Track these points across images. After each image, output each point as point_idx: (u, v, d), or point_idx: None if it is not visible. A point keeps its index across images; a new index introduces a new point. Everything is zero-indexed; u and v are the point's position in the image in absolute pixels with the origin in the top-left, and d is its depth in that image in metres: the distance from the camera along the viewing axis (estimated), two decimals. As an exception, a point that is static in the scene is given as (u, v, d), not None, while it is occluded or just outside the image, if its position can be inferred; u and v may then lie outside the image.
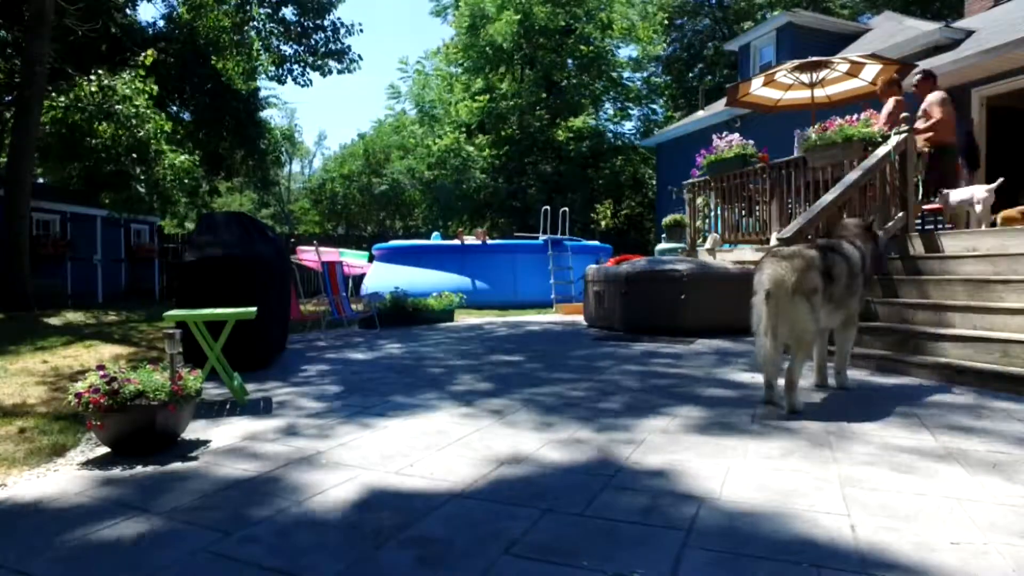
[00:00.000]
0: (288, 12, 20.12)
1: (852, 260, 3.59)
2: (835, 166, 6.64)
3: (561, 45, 24.62)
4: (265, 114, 23.88)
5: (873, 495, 2.18)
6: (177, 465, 2.64)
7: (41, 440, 3.09)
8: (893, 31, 13.42)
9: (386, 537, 1.91)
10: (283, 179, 39.12)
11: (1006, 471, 2.40)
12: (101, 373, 2.81)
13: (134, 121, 12.56)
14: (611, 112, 27.79)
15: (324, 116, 78.10)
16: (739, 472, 2.44)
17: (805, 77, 7.87)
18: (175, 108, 19.31)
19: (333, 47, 20.43)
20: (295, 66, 20.64)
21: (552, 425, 3.20)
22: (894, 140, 6.15)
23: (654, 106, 28.18)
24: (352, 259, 11.64)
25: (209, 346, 3.76)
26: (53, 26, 11.80)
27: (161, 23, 19.47)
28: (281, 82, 20.96)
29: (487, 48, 24.47)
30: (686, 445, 2.81)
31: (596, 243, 15.65)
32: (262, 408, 3.70)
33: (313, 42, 20.36)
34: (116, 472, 2.56)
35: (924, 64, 9.90)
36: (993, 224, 6.11)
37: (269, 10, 19.85)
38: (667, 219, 9.75)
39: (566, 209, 14.80)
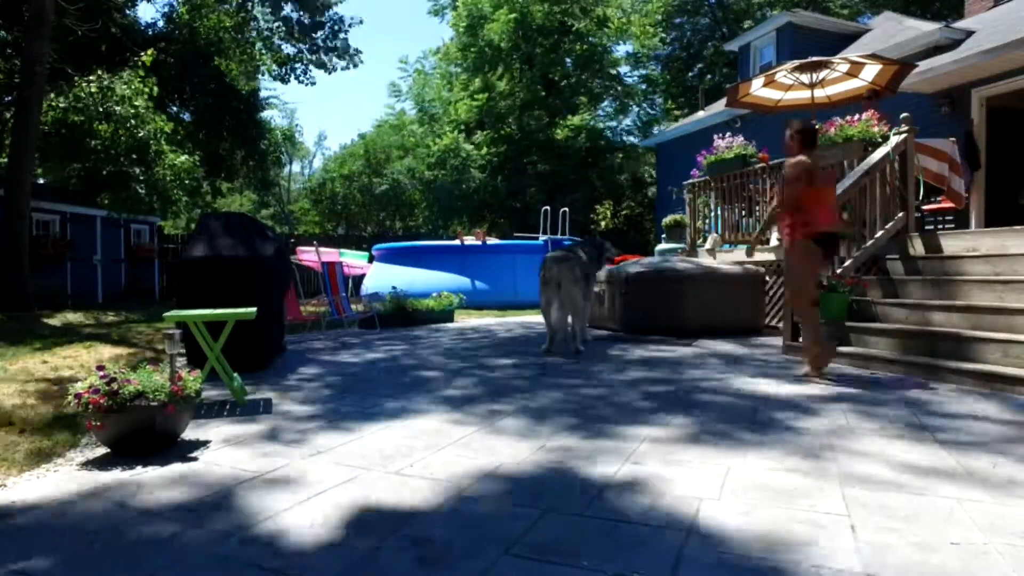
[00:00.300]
0: (288, 10, 20.13)
1: (583, 263, 5.85)
2: (835, 166, 6.64)
3: (558, 44, 24.61)
4: (265, 114, 23.89)
5: (873, 495, 2.18)
6: (177, 465, 2.64)
7: (41, 441, 3.08)
8: (893, 31, 13.42)
9: (386, 536, 1.91)
10: (283, 179, 39.12)
11: (1006, 470, 2.40)
12: (101, 374, 2.81)
13: (133, 121, 12.56)
14: (610, 111, 27.80)
15: (324, 116, 78.05)
16: (739, 473, 2.43)
17: (805, 77, 7.86)
18: (175, 108, 19.30)
19: (334, 43, 20.46)
20: (298, 64, 20.66)
21: (548, 430, 3.20)
22: (894, 140, 6.15)
23: (653, 105, 28.17)
24: (352, 259, 11.64)
25: (209, 346, 3.76)
26: (53, 26, 11.80)
27: (161, 23, 19.47)
28: (284, 81, 20.99)
29: (485, 47, 24.48)
30: (684, 449, 2.81)
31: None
32: (262, 408, 3.70)
33: (315, 39, 20.37)
34: (116, 472, 2.56)
35: (924, 64, 9.91)
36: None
37: (270, 9, 19.86)
38: (667, 219, 9.75)
39: (566, 209, 14.80)
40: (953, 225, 8.54)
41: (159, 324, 8.02)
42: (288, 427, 3.26)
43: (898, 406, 3.49)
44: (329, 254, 9.85)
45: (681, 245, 9.16)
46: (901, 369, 4.42)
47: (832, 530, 1.90)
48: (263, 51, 19.91)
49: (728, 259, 7.87)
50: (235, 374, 4.00)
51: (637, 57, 27.38)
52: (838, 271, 5.67)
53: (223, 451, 2.85)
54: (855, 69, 7.82)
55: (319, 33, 20.19)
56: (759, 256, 7.51)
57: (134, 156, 12.84)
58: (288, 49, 20.51)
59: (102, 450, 2.88)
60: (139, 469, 2.59)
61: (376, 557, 1.80)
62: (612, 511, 2.09)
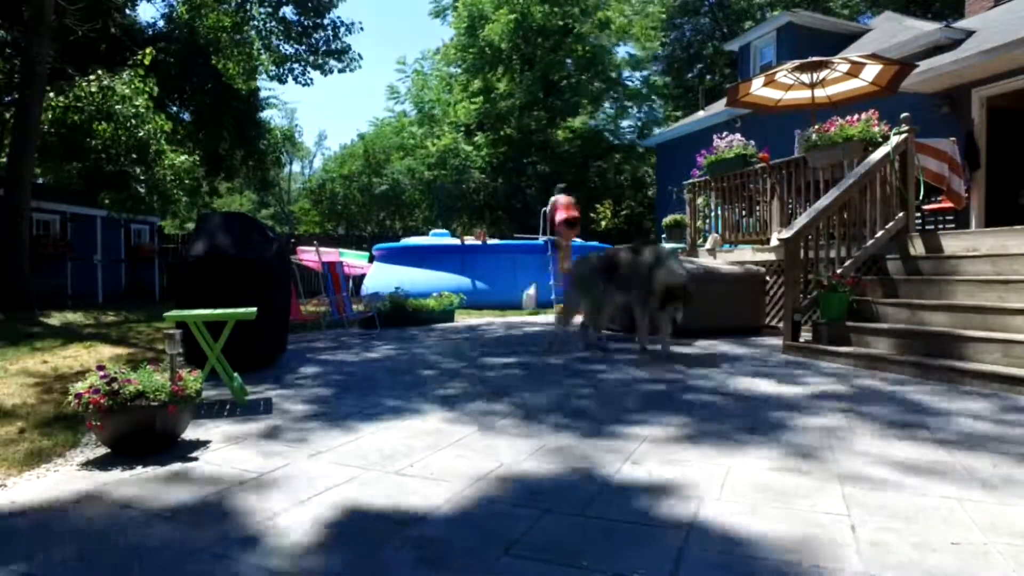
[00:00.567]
0: (288, 11, 20.12)
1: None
2: (835, 166, 6.65)
3: (559, 45, 24.63)
4: (265, 114, 23.90)
5: (873, 495, 2.18)
6: (177, 465, 2.64)
7: (41, 440, 3.09)
8: (893, 31, 13.42)
9: (386, 536, 1.91)
10: (283, 179, 39.12)
11: (1005, 469, 2.40)
12: (101, 373, 2.81)
13: (133, 121, 12.55)
14: (610, 112, 27.81)
15: (324, 116, 78.09)
16: (739, 473, 2.43)
17: (805, 77, 7.87)
18: (175, 108, 19.30)
19: (333, 46, 20.44)
20: (295, 65, 20.64)
21: (548, 430, 3.20)
22: (894, 140, 6.15)
23: (653, 106, 28.18)
24: (352, 259, 11.64)
25: (209, 346, 3.75)
26: (53, 26, 11.79)
27: (161, 23, 19.47)
28: (282, 82, 20.96)
29: (485, 48, 24.49)
30: (685, 448, 2.81)
31: (596, 243, 15.65)
32: (262, 408, 3.70)
33: (313, 41, 20.36)
34: (116, 472, 2.56)
35: (924, 64, 9.91)
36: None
37: (269, 9, 19.85)
38: (667, 219, 9.75)
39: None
40: (953, 225, 8.54)
41: (159, 324, 8.02)
42: (288, 427, 3.26)
43: (898, 406, 3.49)
44: (329, 254, 9.85)
45: (681, 245, 9.16)
46: (901, 369, 4.42)
47: (832, 530, 1.90)
48: (261, 51, 19.89)
49: (728, 259, 7.87)
50: (235, 374, 4.00)
51: (638, 60, 27.39)
52: (838, 271, 5.67)
53: (223, 451, 2.85)
54: (855, 69, 7.83)
55: (319, 35, 20.19)
56: (759, 256, 7.51)
57: (134, 156, 12.83)
58: (287, 49, 20.50)
59: (102, 450, 2.88)
60: (139, 469, 2.59)
61: (376, 557, 1.80)
62: (612, 511, 2.09)
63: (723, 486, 2.29)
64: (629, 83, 27.41)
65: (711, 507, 2.10)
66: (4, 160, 12.89)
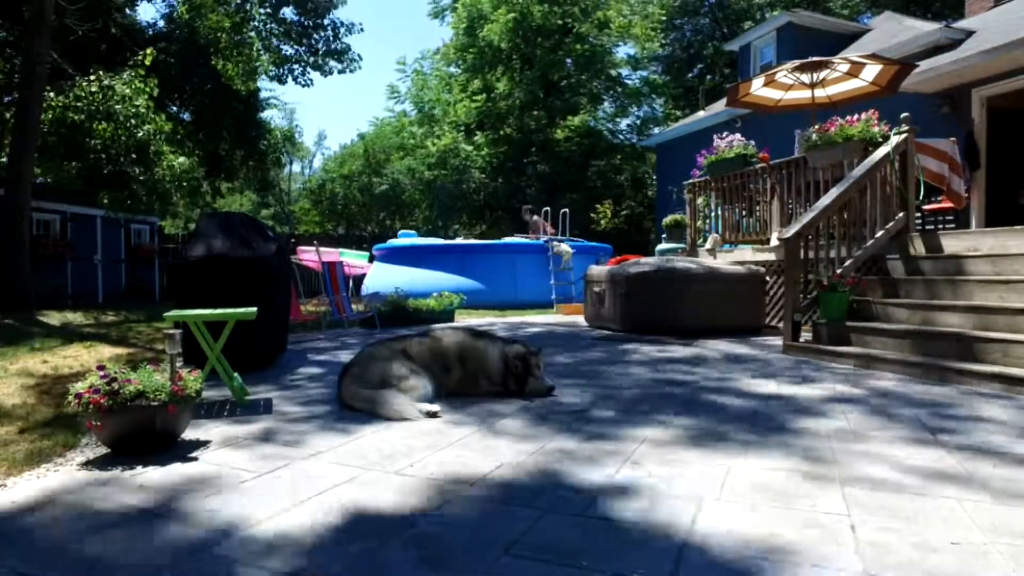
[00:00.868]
0: (288, 12, 20.13)
1: None
2: (835, 166, 6.65)
3: (559, 44, 24.63)
4: (265, 115, 23.90)
5: (873, 495, 2.18)
6: (177, 465, 2.64)
7: (41, 440, 3.09)
8: (894, 31, 13.42)
9: (386, 536, 1.91)
10: (283, 180, 39.12)
11: (1005, 468, 2.40)
12: (101, 373, 2.81)
13: (133, 121, 12.56)
14: (610, 111, 27.81)
15: (324, 116, 78.14)
16: (739, 473, 2.43)
17: (806, 77, 7.87)
18: (175, 108, 19.31)
19: (333, 47, 20.44)
20: (295, 66, 20.65)
21: (548, 431, 3.20)
22: (894, 140, 6.15)
23: (653, 105, 28.19)
24: (351, 259, 11.65)
25: (209, 346, 3.75)
26: (53, 26, 11.79)
27: (161, 23, 19.48)
28: (282, 82, 20.98)
29: (485, 48, 24.49)
30: (685, 448, 2.81)
31: (596, 243, 15.66)
32: (262, 409, 3.70)
33: (313, 42, 20.37)
34: (116, 472, 2.56)
35: (925, 64, 9.92)
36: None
37: (269, 10, 19.86)
38: (667, 219, 9.76)
39: (566, 210, 14.80)
40: (953, 225, 8.55)
41: (159, 324, 8.02)
42: (288, 427, 3.26)
43: (898, 406, 3.49)
44: (329, 254, 9.86)
45: (681, 245, 9.16)
46: (901, 369, 4.42)
47: (832, 530, 1.90)
48: (261, 52, 19.90)
49: (729, 259, 7.87)
50: (235, 374, 4.00)
51: (638, 59, 27.39)
52: (838, 271, 5.67)
53: (223, 451, 2.85)
54: (855, 69, 7.84)
55: (319, 36, 20.19)
56: (759, 256, 7.51)
57: (134, 156, 12.84)
58: (287, 50, 20.51)
59: (102, 450, 2.88)
60: (139, 469, 2.59)
61: (376, 557, 1.80)
62: (613, 511, 2.09)
63: (723, 486, 2.29)
64: (629, 82, 27.41)
65: (711, 507, 2.10)
66: (4, 160, 12.89)
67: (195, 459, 2.72)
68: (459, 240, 15.90)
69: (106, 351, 6.22)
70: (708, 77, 28.22)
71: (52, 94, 12.12)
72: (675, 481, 2.35)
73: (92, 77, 12.44)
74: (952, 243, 5.86)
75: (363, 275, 13.12)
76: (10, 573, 1.74)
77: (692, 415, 3.38)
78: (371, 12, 64.41)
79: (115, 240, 17.14)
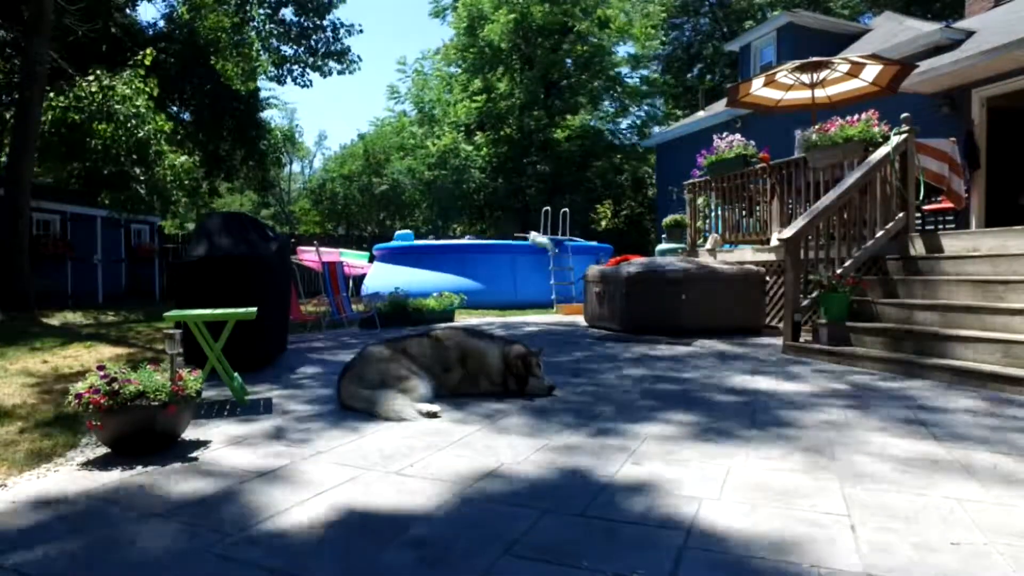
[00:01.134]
0: (288, 12, 20.13)
1: None
2: (835, 166, 6.65)
3: (559, 44, 24.62)
4: (265, 115, 23.90)
5: (873, 495, 2.18)
6: (177, 465, 2.64)
7: (41, 440, 3.09)
8: (894, 31, 13.42)
9: (387, 536, 1.91)
10: (283, 179, 39.13)
11: (1006, 469, 2.40)
12: (101, 373, 2.81)
13: (134, 121, 12.56)
14: (610, 111, 27.81)
15: (324, 116, 78.14)
16: (739, 473, 2.43)
17: (806, 77, 7.87)
18: (175, 108, 19.31)
19: (333, 48, 20.44)
20: (295, 67, 20.64)
21: (548, 430, 3.20)
22: (894, 140, 6.15)
23: (653, 105, 28.18)
24: (351, 259, 11.65)
25: (209, 346, 3.75)
26: (53, 26, 11.80)
27: (161, 23, 19.48)
28: (281, 83, 20.98)
29: (485, 48, 24.49)
30: (685, 448, 2.81)
31: (596, 243, 15.67)
32: (262, 408, 3.70)
33: (313, 42, 20.36)
34: (116, 472, 2.56)
35: (925, 64, 9.92)
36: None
37: (269, 10, 19.86)
38: (667, 219, 9.75)
39: (566, 210, 14.80)
40: (953, 225, 8.54)
41: (159, 324, 8.02)
42: (288, 427, 3.26)
43: (898, 406, 3.49)
44: (329, 254, 9.86)
45: (681, 245, 9.16)
46: (901, 369, 4.42)
47: (832, 530, 1.90)
48: (260, 52, 19.90)
49: (728, 259, 7.87)
50: (236, 374, 4.00)
51: (638, 59, 27.38)
52: (838, 271, 5.67)
53: (223, 451, 2.85)
54: (855, 69, 7.84)
55: (319, 36, 20.18)
56: (759, 256, 7.51)
57: (134, 156, 12.84)
58: (286, 50, 20.50)
59: (102, 450, 2.88)
60: (139, 469, 2.59)
61: (376, 557, 1.80)
62: (613, 511, 2.09)
63: (723, 486, 2.29)
64: (629, 81, 27.40)
65: (711, 507, 2.10)
66: (4, 160, 12.89)
67: (195, 459, 2.72)
68: (467, 239, 15.86)
69: (106, 351, 6.22)
70: (708, 77, 28.23)
71: (52, 94, 12.12)
72: (675, 480, 2.35)
73: (92, 77, 12.44)
74: (952, 243, 5.86)
75: (363, 275, 13.12)
76: (10, 573, 1.74)
77: (692, 414, 3.38)
78: (371, 11, 64.41)
79: (115, 240, 17.14)
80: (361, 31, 20.81)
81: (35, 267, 11.60)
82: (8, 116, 13.32)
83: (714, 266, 7.17)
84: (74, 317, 10.13)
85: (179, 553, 1.84)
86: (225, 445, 2.94)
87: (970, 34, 11.01)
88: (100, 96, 12.29)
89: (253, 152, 21.24)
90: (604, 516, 2.05)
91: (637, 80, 27.84)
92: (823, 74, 7.90)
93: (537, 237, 12.93)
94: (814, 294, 5.58)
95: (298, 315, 7.81)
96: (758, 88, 8.52)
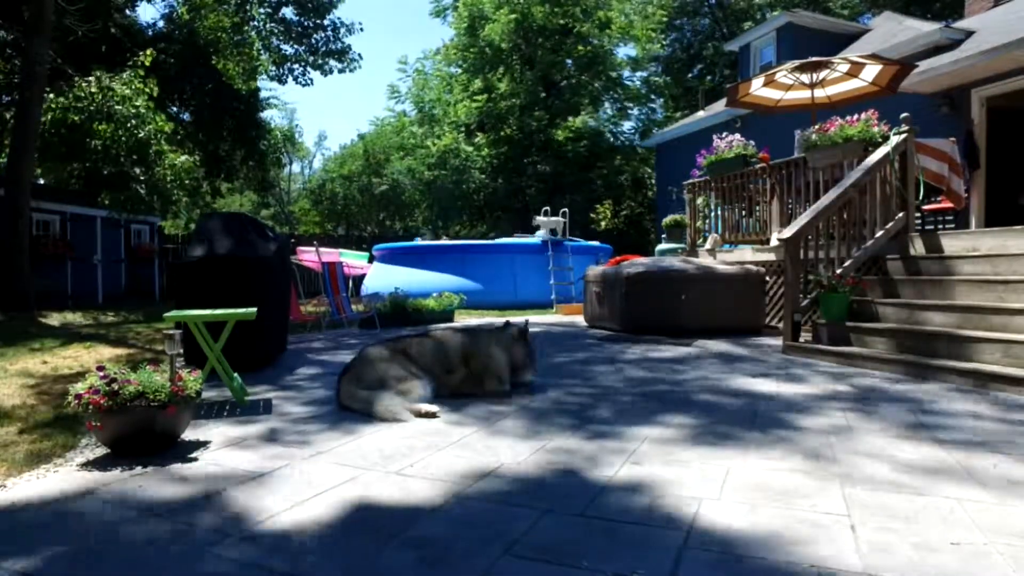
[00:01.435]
0: (288, 12, 20.15)
1: None
2: (835, 166, 6.64)
3: (560, 45, 24.62)
4: (265, 115, 23.91)
5: (873, 495, 2.18)
6: (177, 466, 2.64)
7: (41, 441, 3.09)
8: (893, 31, 13.42)
9: (387, 536, 1.91)
10: (283, 179, 39.13)
11: (1004, 465, 2.40)
12: (101, 374, 2.81)
13: (134, 122, 12.57)
14: (610, 112, 27.81)
15: (324, 116, 78.15)
16: (739, 474, 2.43)
17: (805, 77, 7.87)
18: (175, 109, 19.32)
19: (333, 46, 20.45)
20: (296, 65, 20.66)
21: (548, 431, 3.20)
22: (894, 140, 6.15)
23: (653, 106, 28.18)
24: (350, 259, 11.65)
25: (209, 347, 3.75)
26: (53, 26, 11.80)
27: (161, 23, 19.49)
28: (282, 82, 21.00)
29: (486, 48, 24.48)
30: (685, 449, 2.81)
31: (596, 243, 15.66)
32: (262, 409, 3.70)
33: (313, 42, 20.38)
34: (115, 473, 2.56)
35: (924, 64, 9.92)
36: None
37: (269, 10, 19.87)
38: (667, 219, 9.75)
39: (566, 210, 14.80)
40: (953, 225, 8.54)
41: (159, 324, 8.02)
42: (288, 427, 3.26)
43: (898, 406, 3.49)
44: (329, 254, 9.86)
45: (681, 245, 9.16)
46: (901, 369, 4.42)
47: (832, 530, 1.90)
48: (261, 52, 19.90)
49: (728, 259, 7.87)
50: (235, 374, 4.00)
51: (638, 60, 27.38)
52: (838, 271, 5.67)
53: (223, 451, 2.85)
54: (855, 69, 7.84)
55: (319, 35, 20.20)
56: (759, 256, 7.51)
57: (134, 156, 12.85)
58: (287, 50, 20.52)
59: (102, 450, 2.88)
60: (139, 470, 2.59)
61: (376, 557, 1.80)
62: (612, 511, 2.09)
63: (723, 486, 2.29)
64: (629, 83, 27.40)
65: (711, 507, 2.10)
66: (4, 160, 12.89)
67: (195, 459, 2.72)
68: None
69: (106, 351, 6.22)
70: (708, 77, 28.22)
71: (52, 95, 12.13)
72: (675, 481, 2.35)
73: (92, 78, 12.45)
74: (952, 243, 5.86)
75: (363, 275, 13.12)
76: (10, 573, 1.74)
77: (692, 415, 3.38)
78: (372, 10, 64.40)
79: (115, 240, 17.14)
80: (362, 30, 20.85)
81: (35, 267, 11.60)
82: (8, 116, 13.33)
83: (714, 266, 7.17)
84: (74, 317, 10.13)
85: (179, 553, 1.84)
86: (225, 445, 2.94)
87: (970, 34, 11.01)
88: (100, 96, 12.30)
89: (253, 152, 21.25)
90: (604, 516, 2.05)
91: (637, 82, 27.86)
92: (823, 74, 7.90)
93: (541, 220, 13.15)
94: (814, 294, 5.58)
95: (298, 315, 7.81)
96: (758, 88, 8.52)
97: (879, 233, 6.06)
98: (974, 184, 9.66)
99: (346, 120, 74.94)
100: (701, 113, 17.75)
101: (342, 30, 20.42)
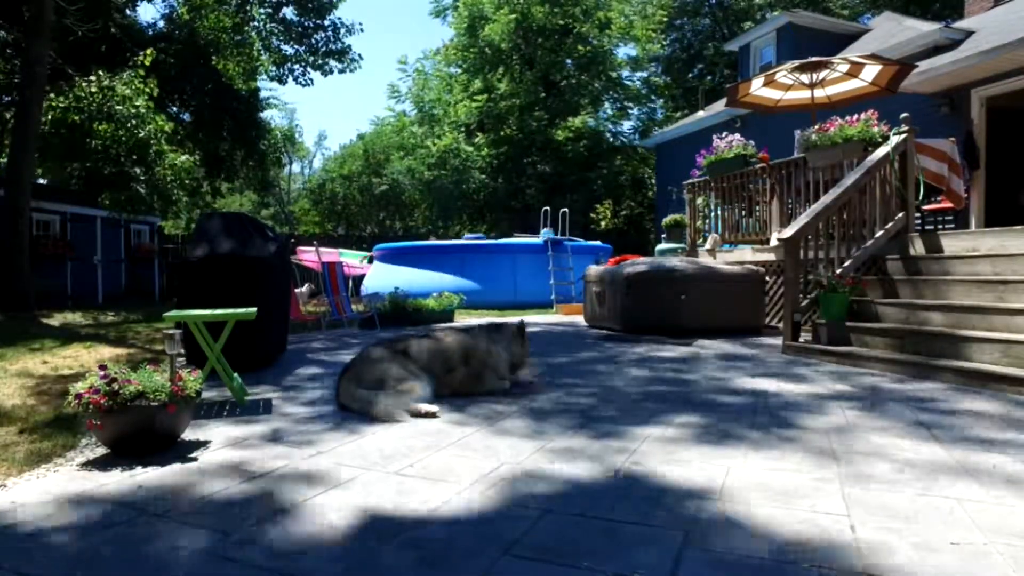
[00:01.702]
0: (288, 12, 20.15)
1: None
2: (835, 166, 6.65)
3: (559, 45, 24.62)
4: (265, 115, 23.92)
5: (873, 495, 2.18)
6: (177, 466, 2.64)
7: (41, 441, 3.08)
8: (893, 31, 13.42)
9: (387, 536, 1.91)
10: (283, 179, 39.13)
11: (1005, 465, 2.40)
12: (101, 374, 2.81)
13: (134, 122, 12.57)
14: (610, 112, 27.81)
15: (324, 116, 78.16)
16: (739, 473, 2.43)
17: (805, 77, 7.88)
18: (175, 109, 19.32)
19: (333, 47, 20.46)
20: (296, 66, 20.66)
21: (548, 431, 3.20)
22: (894, 140, 6.15)
23: (653, 106, 28.18)
24: (349, 259, 11.66)
25: (209, 346, 3.75)
26: (53, 26, 11.80)
27: (161, 23, 19.49)
28: (282, 82, 21.01)
29: (486, 48, 24.48)
30: (685, 448, 2.81)
31: (596, 243, 15.67)
32: (262, 409, 3.70)
33: (313, 42, 20.39)
34: (116, 473, 2.56)
35: (924, 64, 9.92)
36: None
37: (270, 10, 19.87)
38: (667, 219, 9.76)
39: (566, 210, 14.81)
40: (953, 225, 8.55)
41: (159, 324, 8.02)
42: (288, 428, 3.26)
43: (898, 406, 3.49)
44: (329, 254, 9.86)
45: (681, 245, 9.16)
46: (901, 369, 4.42)
47: (832, 530, 1.90)
48: (261, 52, 19.90)
49: (728, 259, 7.87)
50: (235, 374, 4.00)
51: (638, 60, 27.38)
52: (838, 271, 5.68)
53: (223, 452, 2.85)
54: (855, 69, 7.84)
55: (319, 36, 20.21)
56: (759, 256, 7.52)
57: (134, 156, 12.85)
58: (287, 50, 20.52)
59: (102, 450, 2.88)
60: (139, 469, 2.59)
61: (376, 557, 1.80)
62: (612, 511, 2.09)
63: (723, 486, 2.29)
64: (629, 83, 27.39)
65: (711, 507, 2.10)
66: (4, 160, 12.89)
67: (195, 459, 2.72)
68: (465, 238, 15.91)
69: (106, 351, 6.22)
70: (708, 77, 28.23)
71: (52, 95, 12.13)
72: (675, 481, 2.35)
73: (92, 78, 12.45)
74: (952, 243, 5.86)
75: (363, 275, 13.13)
76: (10, 573, 1.74)
77: (692, 414, 3.38)
78: (372, 11, 64.38)
79: (115, 240, 17.14)
80: (362, 30, 20.85)
81: (35, 267, 11.60)
82: (8, 116, 13.33)
83: (714, 266, 7.18)
84: (74, 317, 10.13)
85: (179, 553, 1.84)
86: (225, 446, 2.94)
87: (969, 34, 11.01)
88: (100, 96, 12.30)
89: (253, 152, 21.26)
90: (604, 516, 2.05)
91: (637, 82, 27.85)
92: (823, 74, 7.90)
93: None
94: (814, 294, 5.58)
95: (298, 315, 7.82)
96: (758, 88, 8.52)
97: (879, 233, 6.06)
98: (974, 184, 9.66)
99: (346, 120, 75.03)
100: (701, 113, 17.75)
101: (342, 30, 20.44)
